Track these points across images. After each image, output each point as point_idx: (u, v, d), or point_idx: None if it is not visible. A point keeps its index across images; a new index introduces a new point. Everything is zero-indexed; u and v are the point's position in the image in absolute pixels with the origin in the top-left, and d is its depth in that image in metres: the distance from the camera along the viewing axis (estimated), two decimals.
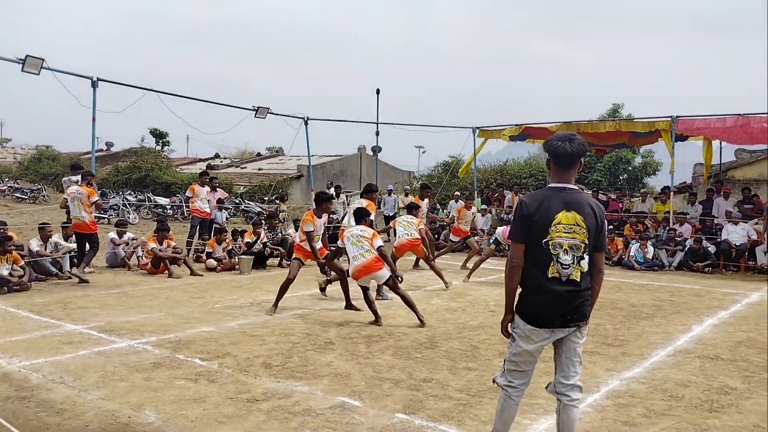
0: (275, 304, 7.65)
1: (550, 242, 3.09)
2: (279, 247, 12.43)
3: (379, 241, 7.15)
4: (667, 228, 13.96)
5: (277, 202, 20.30)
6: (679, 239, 13.52)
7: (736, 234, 13.22)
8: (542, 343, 3.18)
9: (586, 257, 3.13)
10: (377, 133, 16.00)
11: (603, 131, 15.78)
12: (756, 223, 13.43)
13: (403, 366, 5.26)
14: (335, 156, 37.53)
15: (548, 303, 3.10)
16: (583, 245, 3.11)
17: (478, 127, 17.52)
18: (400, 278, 7.24)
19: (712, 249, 13.20)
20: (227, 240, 12.30)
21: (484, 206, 18.17)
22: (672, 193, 15.10)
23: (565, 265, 3.09)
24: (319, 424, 3.93)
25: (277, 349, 5.80)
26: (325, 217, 8.05)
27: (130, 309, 7.67)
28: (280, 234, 12.92)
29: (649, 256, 13.21)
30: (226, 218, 16.70)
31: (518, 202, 3.25)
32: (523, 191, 20.18)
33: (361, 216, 7.51)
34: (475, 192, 19.04)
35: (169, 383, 4.71)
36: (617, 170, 30.58)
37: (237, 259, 11.68)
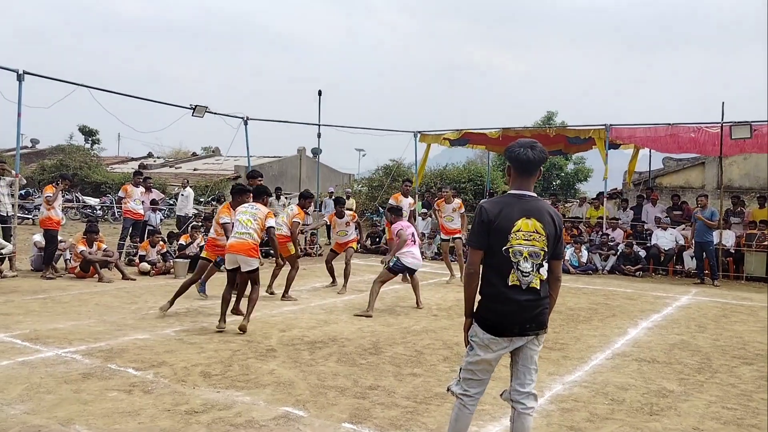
0: (171, 302, 7.43)
1: (510, 249, 3.06)
2: None
3: (271, 221, 6.99)
4: (600, 233, 14.40)
5: (214, 203, 19.80)
6: (611, 244, 13.97)
7: (665, 239, 13.77)
8: (501, 352, 3.14)
9: (546, 265, 3.12)
10: (319, 135, 15.83)
11: (539, 137, 16.14)
12: (684, 229, 14.04)
13: (348, 373, 5.15)
14: (274, 157, 37.02)
15: (509, 312, 3.06)
16: (542, 253, 3.09)
17: (419, 132, 17.61)
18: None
19: (642, 253, 13.70)
20: (161, 243, 11.86)
21: (424, 210, 18.27)
22: (604, 199, 15.60)
23: (525, 272, 3.06)
24: None
25: (217, 357, 5.58)
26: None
27: (57, 315, 7.24)
28: None
29: (584, 260, 13.58)
30: (160, 220, 16.14)
31: (478, 208, 3.21)
32: (461, 195, 20.42)
33: (260, 194, 7.28)
34: (416, 195, 19.09)
35: (100, 395, 4.44)
36: (551, 176, 31.45)
37: (172, 263, 11.26)
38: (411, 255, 8.26)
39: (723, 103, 13.26)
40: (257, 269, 6.87)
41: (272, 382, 4.86)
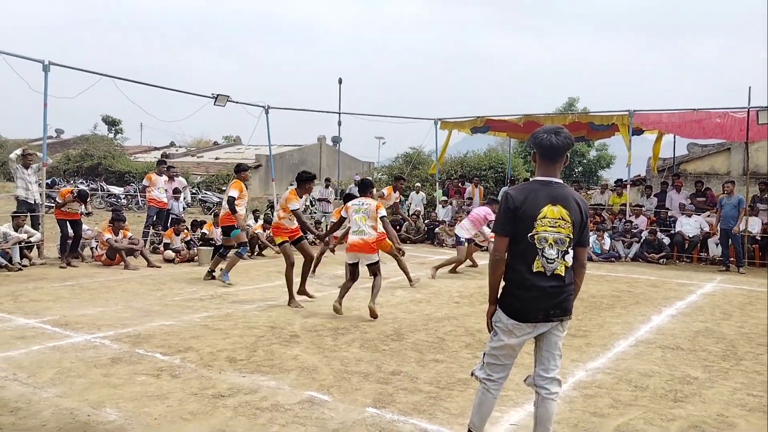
0: (291, 296, 7.61)
1: (535, 236, 3.06)
2: None
3: (382, 211, 7.18)
4: (623, 220, 14.27)
5: None
6: (634, 231, 13.83)
7: (689, 226, 13.60)
8: (525, 338, 3.15)
9: (571, 252, 3.11)
10: (339, 123, 15.90)
11: (563, 124, 15.98)
12: (708, 216, 13.85)
13: (370, 359, 5.20)
14: (294, 146, 37.16)
15: (533, 298, 3.06)
16: (568, 240, 3.08)
17: (439, 119, 17.55)
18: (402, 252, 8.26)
19: (666, 241, 13.55)
20: (185, 231, 12.02)
21: (444, 198, 18.26)
22: (628, 186, 15.43)
23: (550, 259, 3.05)
24: (288, 420, 3.84)
25: (241, 342, 5.66)
26: (305, 197, 8.19)
27: (85, 302, 7.40)
28: None
29: (606, 247, 13.48)
30: (183, 208, 16.34)
31: (503, 195, 3.20)
32: (482, 183, 20.35)
33: (366, 187, 7.44)
34: (437, 183, 19.08)
35: (129, 379, 4.54)
36: (573, 163, 31.15)
37: (196, 250, 11.41)
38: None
39: (750, 87, 13.01)
40: (378, 261, 7.13)
41: (296, 367, 4.92)
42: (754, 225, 13.02)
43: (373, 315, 6.77)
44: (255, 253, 12.55)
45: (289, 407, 4.05)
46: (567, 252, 3.09)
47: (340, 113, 15.59)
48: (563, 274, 3.08)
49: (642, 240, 13.52)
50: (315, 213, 17.47)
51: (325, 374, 4.76)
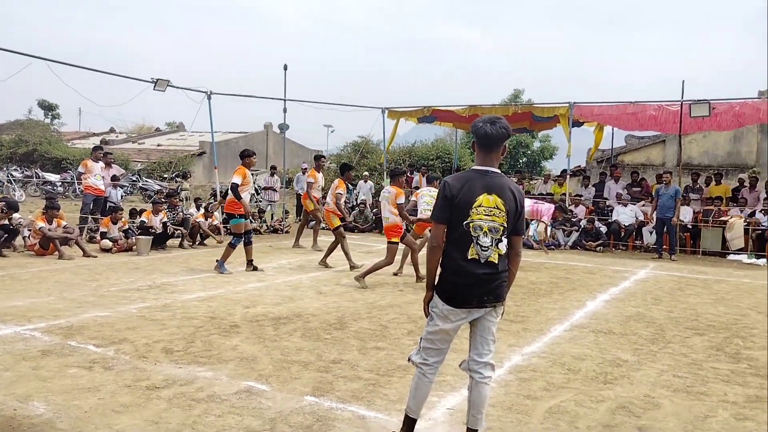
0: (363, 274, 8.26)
1: (470, 224, 3.13)
2: (180, 227, 11.94)
3: (401, 198, 8.22)
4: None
5: (179, 179, 19.52)
6: (574, 220, 14.23)
7: (625, 215, 14.10)
8: (459, 323, 3.22)
9: (505, 240, 3.19)
10: (285, 110, 15.65)
11: (506, 115, 16.25)
12: (643, 205, 14.37)
13: (312, 348, 5.19)
14: (240, 133, 36.53)
15: (467, 284, 3.14)
16: (502, 228, 3.16)
17: (387, 108, 17.56)
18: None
19: (603, 229, 14.00)
20: (123, 219, 11.68)
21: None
22: (567, 176, 15.85)
23: (485, 247, 3.13)
24: (224, 410, 3.80)
25: (179, 333, 5.56)
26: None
27: (15, 293, 7.10)
28: (181, 213, 12.42)
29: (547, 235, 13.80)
30: (122, 196, 15.87)
31: (442, 183, 3.26)
32: (429, 172, 20.51)
33: (394, 175, 8.65)
34: (384, 172, 19.12)
35: (60, 372, 4.39)
36: (517, 154, 31.75)
37: (134, 240, 11.11)
38: None
39: (683, 81, 13.53)
40: (393, 244, 8.34)
41: (235, 358, 4.87)
42: (686, 214, 13.59)
43: (362, 286, 8.01)
44: (196, 242, 12.31)
45: (225, 397, 4.01)
46: (501, 240, 3.17)
47: (285, 100, 15.41)
48: (497, 262, 3.16)
49: (581, 229, 13.93)
50: (260, 202, 17.24)
51: (265, 364, 4.73)
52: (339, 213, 9.95)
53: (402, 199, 8.24)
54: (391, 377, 4.48)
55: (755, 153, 18.91)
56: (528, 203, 10.26)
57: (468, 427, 3.25)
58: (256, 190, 18.23)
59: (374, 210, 17.10)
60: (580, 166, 21.00)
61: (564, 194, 15.36)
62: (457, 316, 3.19)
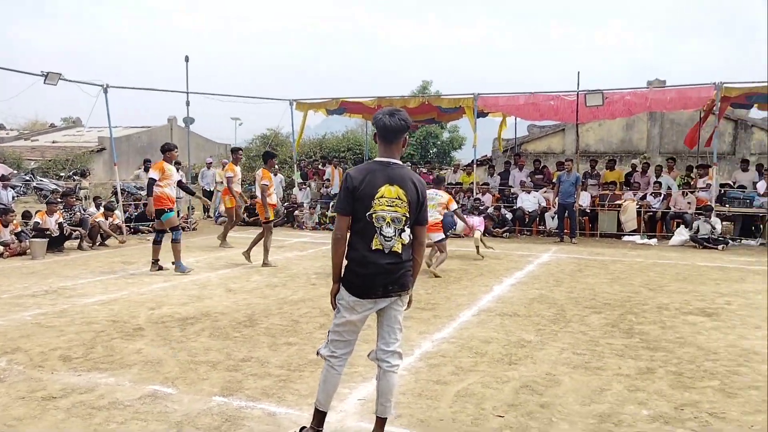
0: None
1: (373, 215, 3.16)
2: (78, 228, 11.32)
3: (453, 205, 9.13)
4: (472, 197, 15.06)
5: (77, 178, 18.48)
6: (482, 207, 14.65)
7: (529, 202, 14.67)
8: (366, 313, 3.24)
9: (408, 230, 3.23)
10: (188, 103, 15.14)
11: (414, 106, 16.48)
12: (545, 192, 15.01)
13: (220, 347, 5.07)
14: (143, 127, 35.03)
15: (372, 274, 3.16)
16: (404, 218, 3.20)
17: (295, 100, 17.36)
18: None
19: (509, 216, 14.51)
20: (15, 221, 10.94)
21: (301, 181, 18.20)
22: (474, 165, 16.29)
23: (388, 237, 3.17)
24: (127, 417, 3.65)
25: (78, 339, 5.28)
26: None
27: None
28: (78, 213, 11.78)
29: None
30: (13, 198, 14.85)
31: (345, 175, 3.26)
32: (341, 165, 20.49)
33: (439, 182, 9.80)
34: (295, 165, 18.93)
35: None
36: (427, 144, 32.28)
37: (28, 243, 10.44)
38: None
39: (578, 72, 14.20)
40: (443, 239, 8.87)
41: (139, 362, 4.69)
42: (585, 199, 14.31)
43: (436, 276, 8.54)
44: (97, 243, 11.72)
45: (128, 403, 3.85)
46: (404, 230, 3.21)
47: (188, 93, 14.90)
48: (400, 252, 3.21)
49: (488, 216, 14.36)
50: None
51: (171, 366, 4.58)
52: (273, 204, 9.84)
53: (454, 205, 9.24)
54: (302, 372, 4.46)
55: (645, 140, 20.15)
56: (463, 225, 10.66)
57: (377, 416, 3.28)
58: None
59: (285, 203, 16.91)
60: (486, 155, 21.63)
61: (472, 183, 15.77)
62: (364, 307, 3.22)
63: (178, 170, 16.83)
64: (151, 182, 8.63)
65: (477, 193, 15.16)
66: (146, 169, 16.84)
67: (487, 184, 15.95)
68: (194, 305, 6.67)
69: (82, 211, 12.17)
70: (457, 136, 33.42)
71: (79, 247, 11.27)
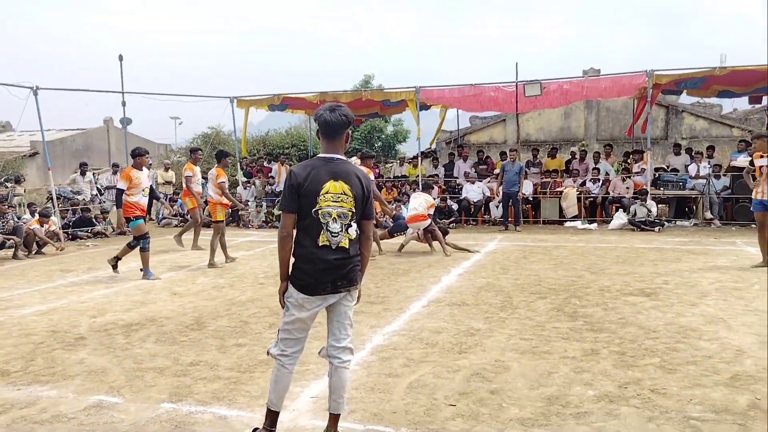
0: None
1: (319, 211, 3.15)
2: (13, 237, 10.84)
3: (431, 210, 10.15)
4: (417, 190, 15.16)
5: (8, 185, 17.66)
6: None
7: (473, 192, 14.89)
8: (315, 310, 3.24)
9: (354, 225, 3.24)
10: (123, 104, 14.70)
11: (357, 101, 16.47)
12: (489, 182, 15.26)
13: (167, 352, 4.96)
14: (78, 130, 33.78)
15: (320, 271, 3.16)
16: (350, 213, 3.21)
17: (235, 97, 17.08)
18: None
19: (455, 206, 14.70)
20: None
21: (245, 179, 17.96)
22: (419, 158, 16.41)
23: (335, 233, 3.17)
24: (71, 429, 3.53)
25: (16, 352, 5.07)
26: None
27: None
28: (12, 221, 11.28)
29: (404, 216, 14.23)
30: None
31: (288, 173, 3.27)
32: (288, 161, 20.30)
33: (427, 187, 10.90)
34: (238, 164, 18.63)
35: None
36: (372, 138, 32.31)
37: None
38: None
39: (516, 63, 14.47)
40: (430, 224, 10.03)
41: (82, 372, 4.53)
42: (527, 187, 14.62)
43: (447, 254, 9.81)
44: (33, 252, 11.26)
45: (72, 416, 3.72)
46: (350, 225, 3.22)
47: (123, 93, 14.44)
48: (348, 247, 3.21)
49: (435, 208, 14.49)
50: (104, 202, 16.10)
51: (116, 375, 4.45)
52: (227, 203, 9.84)
53: (431, 211, 10.22)
54: (253, 373, 4.41)
55: (583, 128, 20.72)
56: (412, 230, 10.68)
57: (330, 413, 3.27)
58: (99, 190, 17.02)
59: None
60: (430, 147, 21.81)
61: (418, 175, 15.88)
62: (313, 304, 3.21)
63: (116, 173, 16.37)
64: (119, 193, 8.37)
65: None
66: (83, 173, 16.30)
67: (435, 175, 16.11)
68: (138, 311, 6.49)
69: (16, 219, 11.67)
70: (401, 130, 33.57)
71: (14, 257, 10.81)
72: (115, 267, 8.67)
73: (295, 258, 3.24)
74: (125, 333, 5.61)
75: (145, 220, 8.60)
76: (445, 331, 5.40)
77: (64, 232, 12.84)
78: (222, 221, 9.63)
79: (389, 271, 8.54)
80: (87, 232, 13.84)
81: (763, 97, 15.62)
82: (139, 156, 8.66)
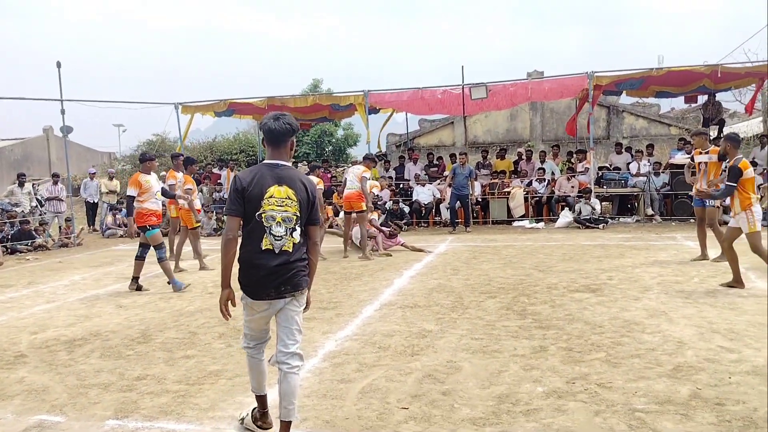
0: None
1: (263, 215, 3.20)
2: None
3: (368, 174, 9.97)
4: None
5: None
6: (380, 203, 14.81)
7: (424, 194, 15.01)
8: (264, 314, 3.33)
9: (299, 229, 3.28)
10: (63, 112, 14.19)
11: (305, 105, 16.40)
12: (439, 184, 15.40)
13: (112, 367, 4.81)
14: (15, 139, 32.49)
15: (262, 276, 3.21)
16: (295, 218, 3.26)
17: (180, 103, 16.76)
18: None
19: (406, 209, 14.78)
20: None
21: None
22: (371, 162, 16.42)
23: (278, 236, 3.21)
24: None
25: None
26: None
27: None
28: None
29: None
30: None
31: (233, 178, 3.33)
32: (237, 167, 20.04)
33: (367, 159, 10.64)
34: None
35: None
36: (323, 142, 32.19)
37: None
38: None
39: (462, 66, 14.67)
40: (362, 211, 9.96)
41: (22, 391, 4.35)
42: (476, 188, 14.82)
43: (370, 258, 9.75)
44: None
45: None
46: (295, 229, 3.26)
47: (62, 100, 13.97)
48: (291, 251, 3.25)
49: (387, 210, 14.55)
50: (44, 213, 15.53)
51: (58, 393, 4.29)
52: (198, 209, 9.95)
53: (368, 174, 10.11)
54: (201, 385, 4.31)
55: (529, 128, 21.17)
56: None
57: (281, 420, 3.25)
58: (39, 201, 16.41)
59: None
60: (380, 150, 21.88)
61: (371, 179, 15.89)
62: (260, 307, 3.29)
63: (56, 183, 15.82)
64: (130, 200, 8.10)
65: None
66: (21, 184, 15.68)
67: (391, 177, 16.16)
68: (82, 325, 6.28)
69: None
70: (351, 133, 33.56)
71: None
72: (139, 288, 8.13)
73: (239, 262, 3.29)
74: (68, 349, 5.41)
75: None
76: (397, 333, 5.42)
77: (2, 246, 12.33)
78: (197, 227, 9.81)
79: (341, 275, 8.51)
80: (27, 245, 13.32)
81: (698, 97, 16.29)
82: (149, 160, 8.49)
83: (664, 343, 4.84)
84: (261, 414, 3.52)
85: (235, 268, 3.30)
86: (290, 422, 3.26)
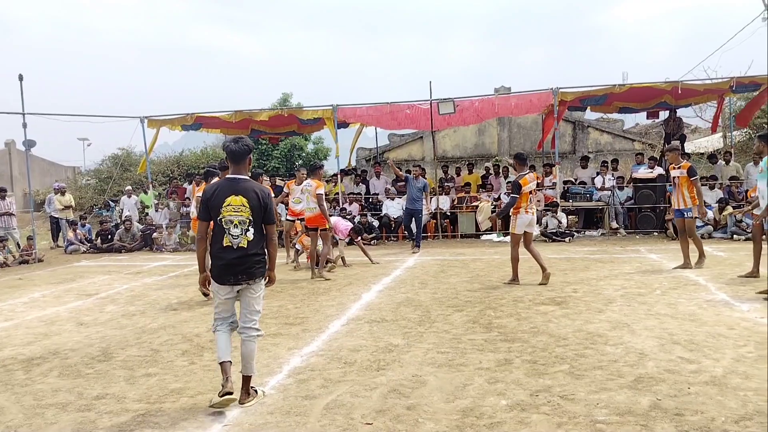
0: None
1: (222, 219, 4.18)
2: None
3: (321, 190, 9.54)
4: (338, 207, 15.16)
5: None
6: (349, 217, 14.78)
7: (393, 208, 15.03)
8: (228, 297, 4.25)
9: (252, 229, 4.20)
10: (24, 125, 13.89)
11: (274, 119, 16.34)
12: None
13: (71, 387, 4.69)
14: None
15: (224, 266, 4.17)
16: (248, 221, 4.20)
17: (146, 117, 16.56)
18: None
19: (376, 223, 14.78)
20: None
21: (155, 201, 17.40)
22: (339, 176, 16.43)
23: (235, 236, 4.17)
24: None
25: None
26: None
27: None
28: None
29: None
30: None
31: (203, 191, 4.41)
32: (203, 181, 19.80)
33: (314, 168, 10.04)
34: (150, 185, 18.01)
35: None
36: (293, 156, 32.09)
37: None
38: None
39: (430, 82, 14.80)
40: (326, 229, 9.72)
41: None
42: (445, 202, 14.91)
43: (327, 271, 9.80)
44: None
45: None
46: (248, 230, 4.19)
47: (24, 114, 13.69)
48: (246, 246, 4.18)
49: (356, 224, 14.52)
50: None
51: (13, 413, 4.16)
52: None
53: (322, 191, 9.51)
54: (162, 404, 4.23)
55: (496, 143, 21.43)
56: (334, 220, 10.67)
57: (243, 375, 4.17)
58: None
59: (142, 227, 16.04)
60: (349, 166, 21.90)
61: (337, 193, 15.88)
62: (224, 290, 4.22)
63: (4, 198, 15.37)
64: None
65: (343, 203, 15.29)
66: None
67: (356, 193, 16.15)
68: (41, 343, 6.11)
69: None
70: (321, 147, 33.52)
71: None
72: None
73: (210, 256, 4.28)
74: (25, 368, 5.26)
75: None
76: (363, 348, 5.39)
77: None
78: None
79: (309, 290, 8.46)
80: None
81: (660, 112, 16.70)
82: (221, 171, 8.27)
83: (626, 355, 4.90)
84: (225, 380, 4.07)
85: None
86: (250, 376, 4.18)
